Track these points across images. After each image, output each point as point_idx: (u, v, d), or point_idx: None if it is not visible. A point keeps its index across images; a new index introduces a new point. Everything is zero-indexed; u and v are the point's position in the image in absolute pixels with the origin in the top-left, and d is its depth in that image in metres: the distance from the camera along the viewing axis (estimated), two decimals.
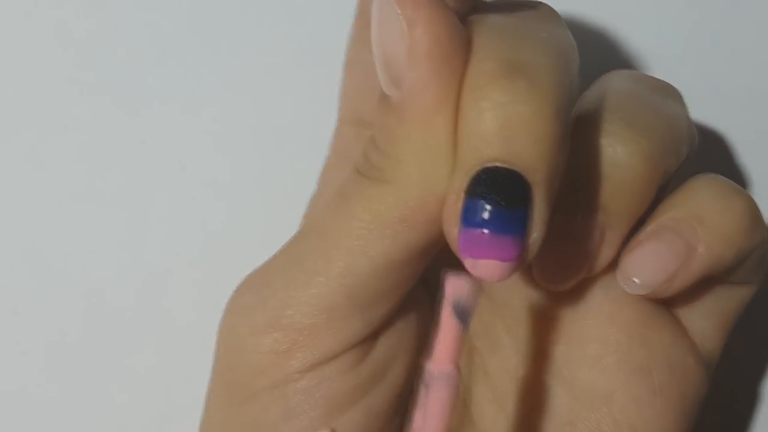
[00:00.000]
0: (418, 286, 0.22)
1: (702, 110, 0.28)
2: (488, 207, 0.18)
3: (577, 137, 0.21)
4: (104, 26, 0.27)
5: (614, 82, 0.23)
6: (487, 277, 0.19)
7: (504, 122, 0.18)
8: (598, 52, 0.27)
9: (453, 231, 0.19)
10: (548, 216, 0.19)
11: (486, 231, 0.18)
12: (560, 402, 0.22)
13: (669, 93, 0.23)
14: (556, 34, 0.20)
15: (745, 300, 0.23)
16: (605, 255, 0.21)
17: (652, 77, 0.23)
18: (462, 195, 0.19)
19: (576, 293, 0.22)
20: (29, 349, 0.27)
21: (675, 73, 0.26)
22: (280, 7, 0.27)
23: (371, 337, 0.21)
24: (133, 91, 0.27)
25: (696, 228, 0.21)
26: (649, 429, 0.22)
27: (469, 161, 0.19)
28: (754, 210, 0.22)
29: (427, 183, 0.19)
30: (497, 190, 0.18)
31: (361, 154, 0.21)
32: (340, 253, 0.20)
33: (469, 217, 0.19)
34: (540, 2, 0.21)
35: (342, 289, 0.20)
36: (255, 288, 0.21)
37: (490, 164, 0.18)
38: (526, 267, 0.21)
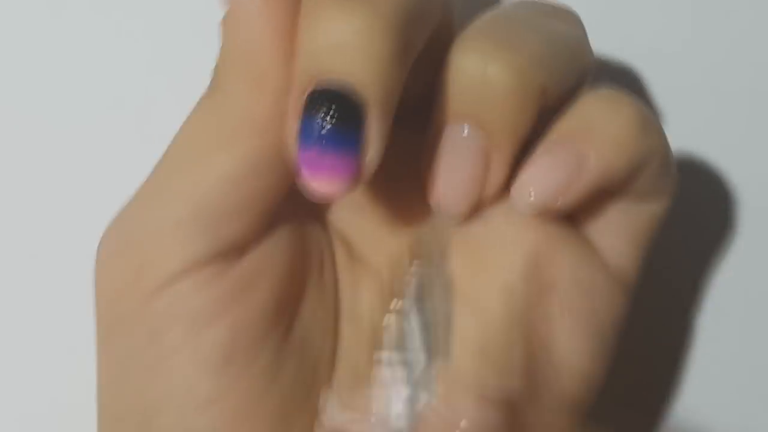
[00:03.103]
0: (300, 214, 0.22)
1: (702, 109, 0.28)
2: (321, 124, 0.19)
3: (451, 59, 0.21)
4: (105, 25, 0.27)
5: (497, 7, 0.23)
6: (322, 194, 0.19)
7: (336, 39, 0.19)
8: (597, 50, 0.28)
9: (291, 149, 0.19)
10: (385, 134, 0.19)
11: (320, 148, 0.19)
12: (471, 328, 0.22)
13: (558, 15, 0.23)
14: None
15: (657, 215, 0.23)
16: (495, 176, 0.21)
17: (550, 3, 0.23)
18: (297, 113, 0.19)
19: (478, 222, 0.22)
20: (29, 349, 0.27)
21: (675, 73, 0.26)
22: None
23: (232, 254, 0.21)
24: (134, 90, 0.27)
25: (585, 137, 0.21)
26: (560, 346, 0.22)
27: (303, 79, 0.19)
28: (644, 116, 0.22)
29: (250, 89, 0.20)
30: (330, 108, 0.19)
31: None
32: (179, 167, 0.20)
33: (304, 136, 0.19)
34: None
35: (184, 204, 0.20)
36: (114, 220, 0.21)
37: (322, 82, 0.19)
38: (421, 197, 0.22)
